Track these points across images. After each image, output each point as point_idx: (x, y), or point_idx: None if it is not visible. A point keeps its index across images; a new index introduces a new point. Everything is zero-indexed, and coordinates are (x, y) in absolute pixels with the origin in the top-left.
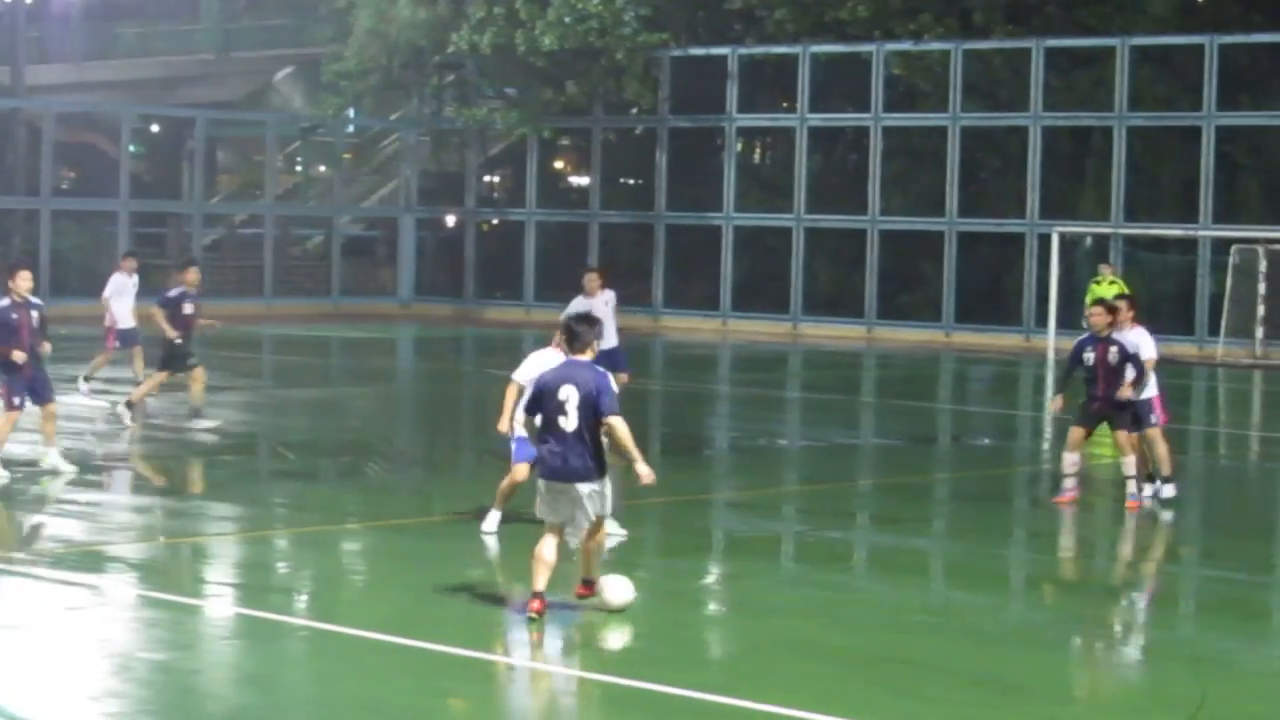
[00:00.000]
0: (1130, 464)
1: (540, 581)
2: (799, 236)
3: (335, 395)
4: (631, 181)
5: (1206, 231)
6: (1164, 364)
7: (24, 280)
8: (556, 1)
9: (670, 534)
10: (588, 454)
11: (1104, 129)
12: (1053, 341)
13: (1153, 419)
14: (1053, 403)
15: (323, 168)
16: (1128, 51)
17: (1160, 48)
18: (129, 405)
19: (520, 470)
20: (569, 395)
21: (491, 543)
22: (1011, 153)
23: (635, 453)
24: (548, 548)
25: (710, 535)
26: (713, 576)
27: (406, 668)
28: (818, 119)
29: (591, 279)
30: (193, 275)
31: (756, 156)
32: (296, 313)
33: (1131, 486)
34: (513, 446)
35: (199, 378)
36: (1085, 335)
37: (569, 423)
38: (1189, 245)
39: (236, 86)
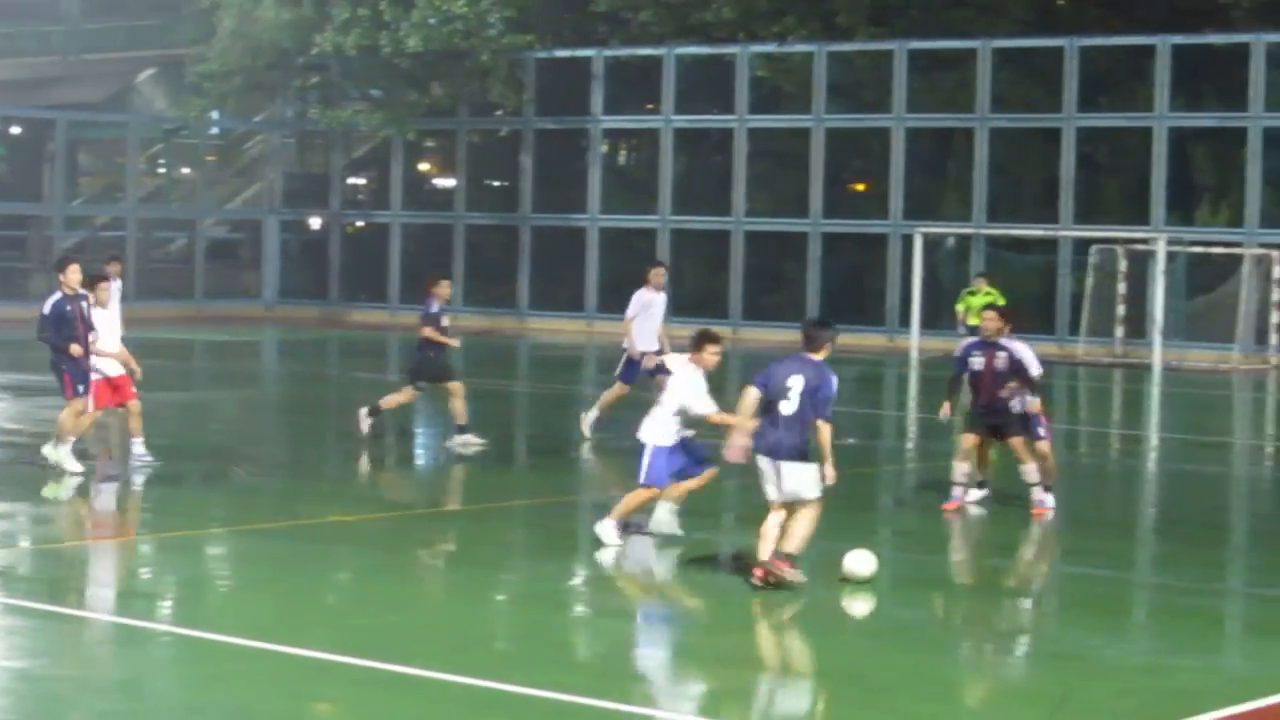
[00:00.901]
0: (1030, 471)
1: (763, 551)
2: (664, 238)
3: (199, 399)
4: (497, 183)
5: (1067, 232)
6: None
7: (74, 274)
8: (421, 3)
9: (537, 535)
10: (799, 437)
11: (966, 130)
12: (916, 341)
13: (1041, 431)
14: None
15: (186, 170)
16: (990, 54)
17: (1021, 50)
18: (373, 413)
19: (649, 492)
20: (795, 385)
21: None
22: (875, 154)
23: (829, 455)
24: (770, 522)
25: (577, 537)
26: (579, 578)
27: (273, 673)
28: (683, 120)
29: (658, 274)
30: (444, 289)
31: (622, 158)
32: (160, 315)
33: (1037, 494)
34: (646, 461)
35: (457, 391)
36: (973, 340)
37: (789, 407)
38: (1050, 245)
39: (99, 88)
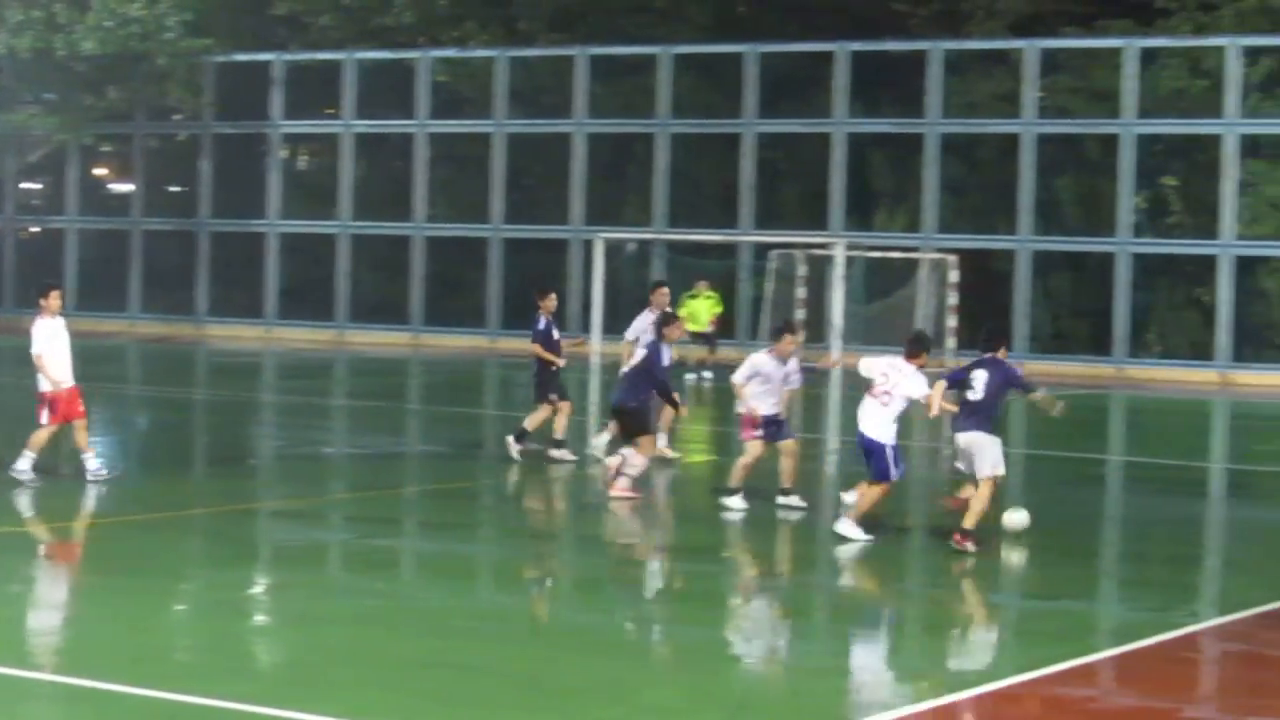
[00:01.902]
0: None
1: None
2: (344, 243)
3: None
4: (175, 188)
5: (747, 237)
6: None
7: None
8: (97, 6)
9: (215, 544)
10: (986, 421)
11: (646, 136)
12: (598, 345)
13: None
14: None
15: None
16: (670, 60)
17: (702, 56)
18: (520, 437)
19: (884, 488)
20: (979, 378)
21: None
22: (556, 159)
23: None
24: (966, 492)
25: (255, 545)
26: (259, 587)
27: None
28: (363, 125)
29: (661, 294)
30: (552, 302)
31: (302, 163)
32: None
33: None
34: (886, 459)
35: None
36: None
37: (975, 394)
38: (730, 250)
39: None
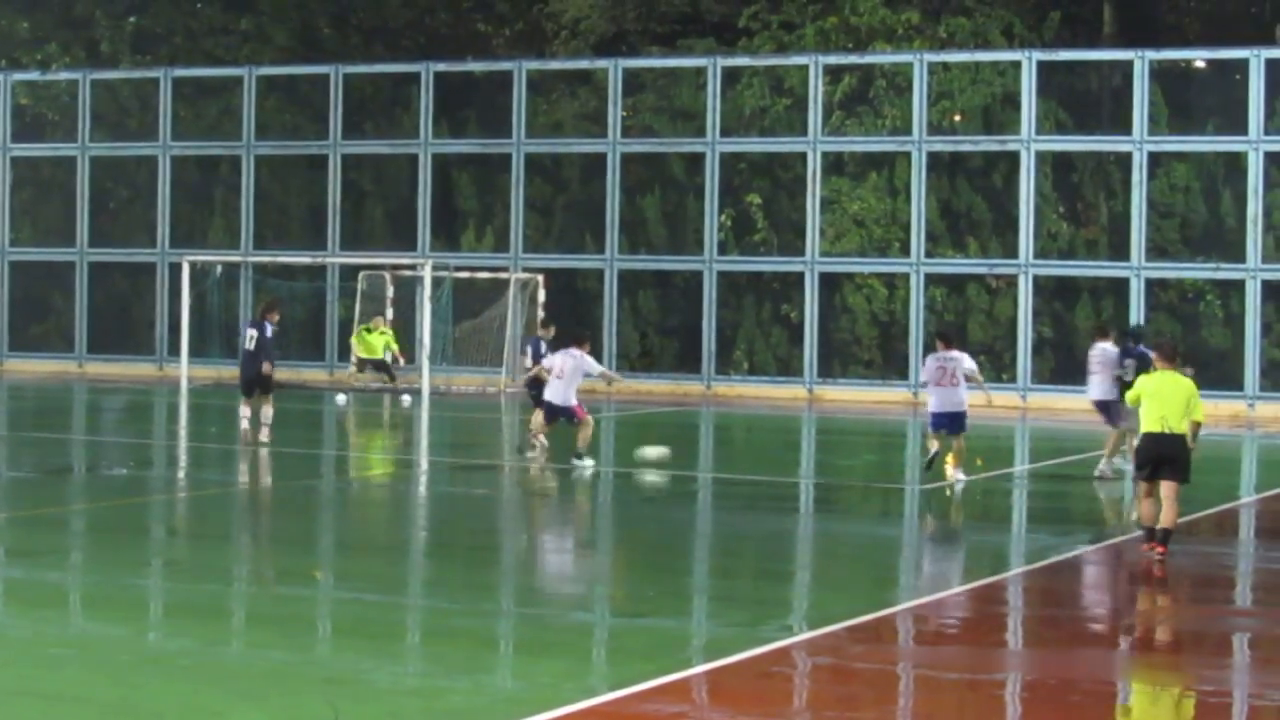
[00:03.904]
0: None
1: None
2: None
3: None
4: None
5: (335, 258)
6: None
7: None
8: None
9: None
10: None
11: (232, 158)
12: (185, 370)
13: None
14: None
15: None
16: (255, 81)
17: (287, 77)
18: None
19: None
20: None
21: None
22: (141, 182)
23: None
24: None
25: None
26: None
27: None
28: None
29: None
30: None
31: None
32: None
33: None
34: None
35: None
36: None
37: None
38: (319, 272)
39: None
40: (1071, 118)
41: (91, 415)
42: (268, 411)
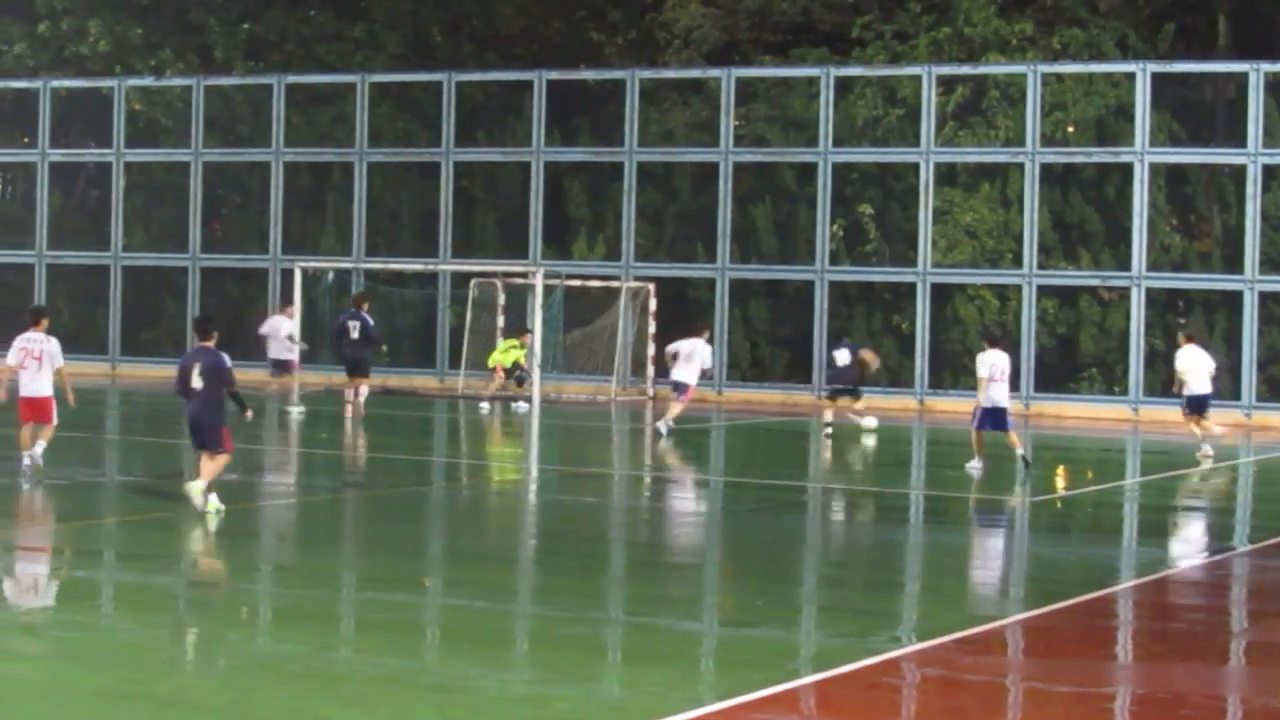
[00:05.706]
0: None
1: None
2: (40, 272)
3: None
4: None
5: (446, 265)
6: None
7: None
8: None
9: None
10: None
11: (344, 165)
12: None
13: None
14: None
15: None
16: (367, 88)
17: (399, 85)
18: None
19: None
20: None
21: None
22: (254, 188)
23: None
24: None
25: None
26: None
27: None
28: (59, 154)
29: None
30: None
31: None
32: None
33: None
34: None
35: None
36: None
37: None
38: (429, 279)
39: None
40: (1185, 130)
41: None
42: (364, 389)
